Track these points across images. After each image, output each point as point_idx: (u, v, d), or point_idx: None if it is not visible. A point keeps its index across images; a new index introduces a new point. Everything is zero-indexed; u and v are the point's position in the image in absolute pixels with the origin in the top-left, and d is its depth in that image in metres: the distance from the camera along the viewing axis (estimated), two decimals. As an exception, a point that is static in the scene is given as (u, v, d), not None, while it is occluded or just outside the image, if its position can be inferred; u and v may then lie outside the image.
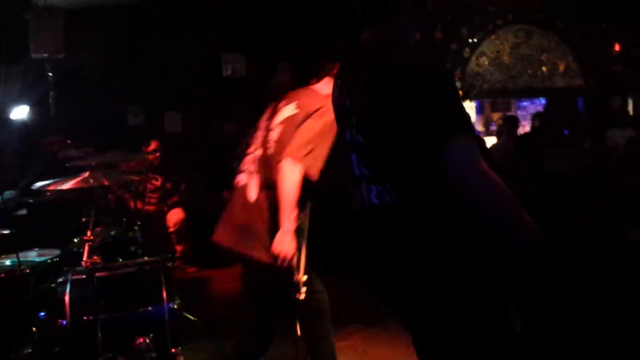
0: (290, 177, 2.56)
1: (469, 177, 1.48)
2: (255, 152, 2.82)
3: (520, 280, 1.57)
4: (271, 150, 2.72)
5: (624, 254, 4.66)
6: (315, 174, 2.64)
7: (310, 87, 2.89)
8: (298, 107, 2.73)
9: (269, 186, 2.66)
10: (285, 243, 2.57)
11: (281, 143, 2.69)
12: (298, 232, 2.66)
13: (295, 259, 2.65)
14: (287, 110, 2.76)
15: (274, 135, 2.75)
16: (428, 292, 1.61)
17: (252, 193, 2.70)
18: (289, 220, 2.59)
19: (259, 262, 2.64)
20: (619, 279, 4.22)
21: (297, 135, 2.63)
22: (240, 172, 2.83)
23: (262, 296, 2.75)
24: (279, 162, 2.60)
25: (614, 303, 3.70)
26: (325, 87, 2.77)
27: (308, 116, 2.67)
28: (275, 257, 2.57)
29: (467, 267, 1.57)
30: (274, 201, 2.62)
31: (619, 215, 5.36)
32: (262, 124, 2.90)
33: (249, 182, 2.75)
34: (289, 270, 2.64)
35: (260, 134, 2.86)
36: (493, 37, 8.44)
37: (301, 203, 2.65)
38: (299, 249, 2.68)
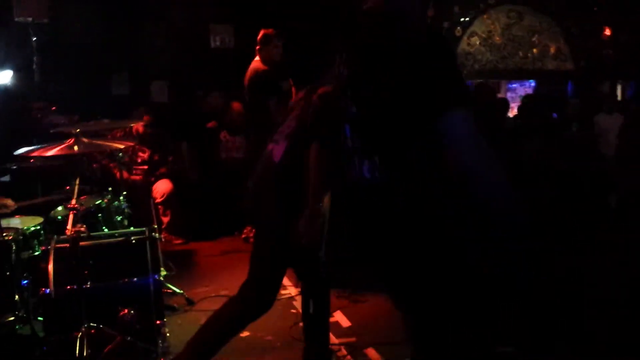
0: (322, 158, 2.53)
1: (463, 149, 1.52)
2: (287, 124, 2.72)
3: (519, 280, 1.61)
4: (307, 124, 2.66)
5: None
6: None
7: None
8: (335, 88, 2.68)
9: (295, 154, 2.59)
10: (312, 226, 2.56)
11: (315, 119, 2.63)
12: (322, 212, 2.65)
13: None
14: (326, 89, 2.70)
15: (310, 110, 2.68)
16: (425, 279, 1.64)
17: (276, 156, 2.62)
18: (317, 200, 2.57)
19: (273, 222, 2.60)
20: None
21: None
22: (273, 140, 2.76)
23: (275, 255, 2.68)
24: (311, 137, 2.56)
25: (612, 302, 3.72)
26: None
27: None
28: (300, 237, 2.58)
29: (462, 263, 1.59)
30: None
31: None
32: (297, 100, 2.77)
33: (274, 147, 2.65)
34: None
35: (295, 110, 2.78)
36: (485, 16, 8.39)
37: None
38: (322, 229, 2.66)
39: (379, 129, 1.65)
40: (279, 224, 2.59)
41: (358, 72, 1.71)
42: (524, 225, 1.55)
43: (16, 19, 5.82)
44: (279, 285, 2.73)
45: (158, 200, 5.70)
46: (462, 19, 8.28)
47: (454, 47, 8.24)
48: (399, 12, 1.70)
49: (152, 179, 5.86)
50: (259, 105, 5.07)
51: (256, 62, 5.15)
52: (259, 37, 5.10)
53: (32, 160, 4.53)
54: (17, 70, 6.20)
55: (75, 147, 3.16)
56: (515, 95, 9.38)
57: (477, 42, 8.41)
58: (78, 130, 3.24)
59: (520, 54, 8.61)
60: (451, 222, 1.60)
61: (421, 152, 1.58)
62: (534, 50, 8.65)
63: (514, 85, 9.70)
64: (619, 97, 8.74)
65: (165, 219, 5.77)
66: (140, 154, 5.88)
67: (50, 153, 3.24)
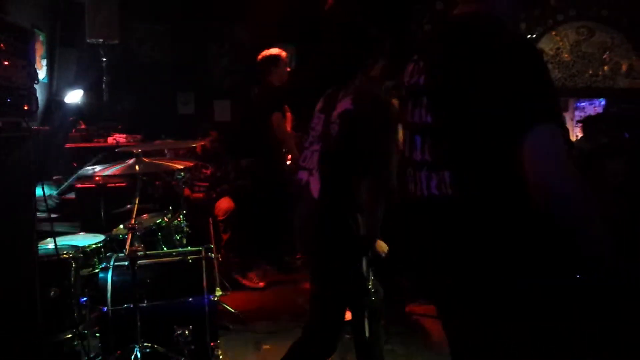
0: (378, 198, 2.57)
1: (550, 169, 1.36)
2: (313, 146, 2.73)
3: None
4: (333, 147, 2.62)
5: None
6: (394, 182, 2.53)
7: (365, 74, 2.76)
8: (355, 101, 2.59)
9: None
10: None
11: (342, 140, 2.58)
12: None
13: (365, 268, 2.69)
14: (345, 102, 2.63)
15: (334, 129, 2.63)
16: (479, 300, 1.53)
17: (315, 191, 2.61)
18: (377, 230, 2.65)
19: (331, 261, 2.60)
20: None
21: (371, 147, 2.54)
22: (301, 168, 2.76)
23: (336, 295, 2.67)
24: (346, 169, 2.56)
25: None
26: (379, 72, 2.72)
27: (367, 116, 2.56)
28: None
29: (526, 273, 1.48)
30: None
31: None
32: (318, 114, 2.78)
33: (310, 179, 2.65)
34: (362, 277, 2.68)
35: (317, 127, 2.75)
36: (553, 33, 8.13)
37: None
38: (367, 258, 2.70)
39: (458, 140, 1.53)
40: (339, 264, 2.57)
41: (442, 78, 1.60)
42: (614, 265, 1.41)
43: (88, 40, 6.04)
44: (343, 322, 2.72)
45: (220, 217, 5.76)
46: (529, 36, 8.05)
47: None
48: (493, 14, 1.63)
49: (214, 195, 5.93)
50: (265, 124, 5.13)
51: (266, 83, 5.20)
52: (266, 59, 5.21)
53: (96, 178, 4.66)
54: (87, 90, 6.43)
55: (137, 167, 3.22)
56: (585, 114, 9.03)
57: (545, 60, 8.16)
58: (140, 150, 3.31)
59: (590, 71, 8.28)
60: (516, 221, 1.48)
61: (504, 169, 1.44)
62: (605, 67, 8.30)
63: (582, 104, 9.34)
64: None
65: (225, 237, 5.83)
66: (204, 170, 5.97)
67: (111, 172, 3.33)
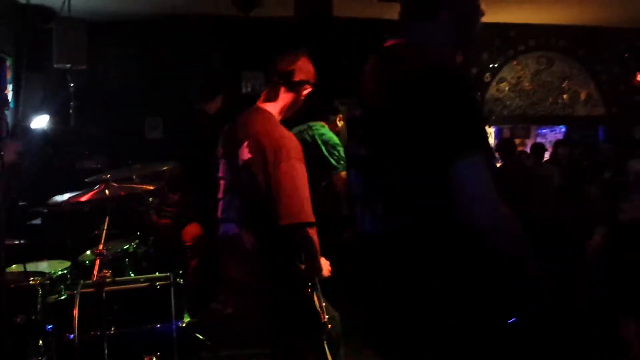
0: (310, 241, 2.42)
1: (475, 202, 1.35)
2: (228, 196, 2.65)
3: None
4: (253, 198, 2.52)
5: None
6: (312, 216, 2.43)
7: (262, 107, 2.68)
8: (259, 144, 2.48)
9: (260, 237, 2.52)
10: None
11: (256, 190, 2.46)
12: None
13: (318, 301, 2.60)
14: (249, 147, 2.51)
15: (244, 179, 2.52)
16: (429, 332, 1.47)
17: (249, 243, 2.52)
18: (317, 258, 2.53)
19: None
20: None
21: (280, 190, 2.39)
22: (223, 220, 2.67)
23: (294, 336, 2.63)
24: (266, 214, 2.42)
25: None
26: (277, 104, 2.64)
27: (277, 157, 2.42)
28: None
29: (470, 304, 1.43)
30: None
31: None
32: (222, 160, 2.71)
33: (240, 232, 2.57)
34: (315, 312, 2.58)
35: (226, 176, 2.67)
36: (514, 62, 8.40)
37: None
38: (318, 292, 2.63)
39: (389, 170, 1.49)
40: (291, 306, 2.53)
41: (374, 109, 1.57)
42: (545, 290, 1.43)
43: (55, 66, 6.01)
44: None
45: (188, 243, 5.73)
46: (491, 65, 8.30)
47: (482, 93, 8.26)
48: (421, 45, 1.58)
49: (182, 221, 5.90)
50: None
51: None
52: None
53: (62, 205, 4.61)
54: (53, 115, 6.38)
55: (106, 192, 3.22)
56: (545, 141, 9.30)
57: (506, 88, 8.40)
58: (108, 175, 3.31)
59: (550, 99, 8.56)
60: (462, 281, 1.42)
61: (433, 200, 1.41)
62: (564, 96, 8.59)
63: (544, 131, 9.63)
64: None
65: (193, 263, 5.79)
66: (171, 195, 5.95)
67: (82, 199, 3.31)
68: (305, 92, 2.69)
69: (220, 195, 2.70)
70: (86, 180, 3.93)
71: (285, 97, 2.66)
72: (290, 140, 2.50)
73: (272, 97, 2.68)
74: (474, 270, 1.43)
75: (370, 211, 1.56)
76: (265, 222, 2.46)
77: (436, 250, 1.44)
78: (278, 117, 2.65)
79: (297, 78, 2.65)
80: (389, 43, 1.67)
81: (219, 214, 2.69)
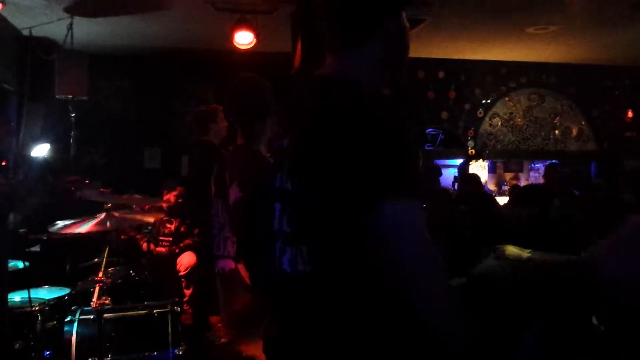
0: None
1: (400, 251, 1.23)
2: (224, 233, 2.69)
3: None
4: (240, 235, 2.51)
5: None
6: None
7: (243, 144, 2.68)
8: (247, 184, 2.45)
9: None
10: None
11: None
12: None
13: None
14: (239, 187, 2.51)
15: (236, 217, 2.52)
16: None
17: (246, 277, 2.48)
18: None
19: None
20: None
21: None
22: (219, 257, 2.70)
23: None
24: None
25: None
26: (256, 138, 2.63)
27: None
28: None
29: None
30: None
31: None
32: (215, 199, 2.76)
33: (234, 267, 2.62)
34: None
35: (220, 214, 2.71)
36: (506, 99, 8.58)
37: None
38: None
39: (315, 210, 1.34)
40: None
41: (301, 141, 1.43)
42: (461, 346, 1.28)
43: (57, 96, 6.13)
44: None
45: (182, 273, 5.77)
46: (483, 101, 8.48)
47: (475, 128, 8.41)
48: (348, 78, 1.46)
49: (177, 250, 5.96)
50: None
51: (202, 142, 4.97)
52: (204, 115, 4.87)
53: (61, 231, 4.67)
54: (54, 144, 6.48)
55: (107, 223, 3.29)
56: (539, 175, 9.42)
57: (499, 123, 8.57)
58: (110, 205, 3.38)
59: (543, 134, 8.73)
60: (379, 331, 1.31)
61: (352, 243, 1.28)
62: (556, 131, 8.77)
63: (537, 165, 9.76)
64: (644, 179, 8.72)
65: (187, 292, 5.83)
66: (168, 225, 6.01)
67: (82, 229, 3.36)
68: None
69: (215, 232, 2.75)
70: (85, 208, 4.00)
71: (258, 129, 2.67)
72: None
73: (249, 134, 2.69)
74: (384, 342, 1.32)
75: (291, 250, 1.40)
76: None
77: (357, 308, 1.32)
78: (263, 149, 2.64)
79: (257, 109, 2.67)
80: (321, 71, 1.56)
81: (214, 251, 2.74)
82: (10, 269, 3.32)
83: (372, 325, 1.31)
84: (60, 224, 3.37)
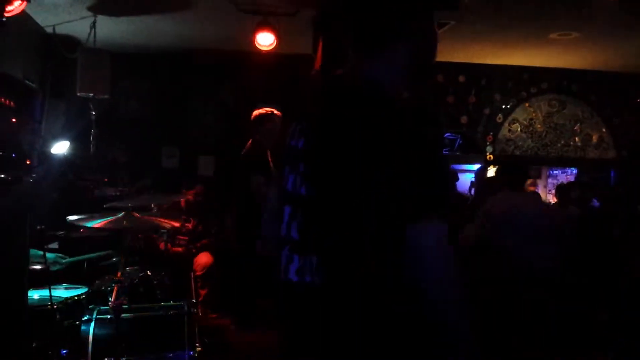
0: None
1: (427, 261, 1.22)
2: None
3: None
4: None
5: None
6: None
7: None
8: None
9: None
10: None
11: None
12: None
13: None
14: None
15: None
16: None
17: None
18: None
19: None
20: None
21: None
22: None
23: None
24: None
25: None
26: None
27: None
28: None
29: None
30: None
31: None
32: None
33: None
34: None
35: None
36: (526, 104, 8.50)
37: None
38: None
39: (331, 219, 1.29)
40: None
41: (319, 145, 1.37)
42: (473, 353, 1.29)
43: (78, 94, 6.17)
44: None
45: (198, 273, 5.79)
46: (503, 106, 8.41)
47: (495, 133, 8.34)
48: (374, 79, 1.41)
49: (194, 250, 5.98)
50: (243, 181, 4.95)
51: (255, 142, 5.02)
52: (257, 117, 4.90)
53: (81, 230, 4.70)
54: (73, 141, 6.53)
55: (125, 222, 3.30)
56: (557, 182, 9.33)
57: (518, 129, 8.49)
58: (130, 205, 3.40)
59: (562, 142, 8.63)
60: (400, 335, 1.31)
61: (369, 258, 1.26)
62: (576, 138, 8.67)
63: (555, 172, 9.67)
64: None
65: (203, 292, 5.85)
66: (186, 224, 6.03)
67: (99, 224, 3.36)
68: None
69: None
70: (105, 206, 4.02)
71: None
72: None
73: None
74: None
75: (300, 260, 1.36)
76: None
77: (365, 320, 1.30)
78: None
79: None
80: (337, 72, 1.52)
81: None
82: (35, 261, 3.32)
83: (380, 340, 1.28)
84: (79, 217, 3.35)
